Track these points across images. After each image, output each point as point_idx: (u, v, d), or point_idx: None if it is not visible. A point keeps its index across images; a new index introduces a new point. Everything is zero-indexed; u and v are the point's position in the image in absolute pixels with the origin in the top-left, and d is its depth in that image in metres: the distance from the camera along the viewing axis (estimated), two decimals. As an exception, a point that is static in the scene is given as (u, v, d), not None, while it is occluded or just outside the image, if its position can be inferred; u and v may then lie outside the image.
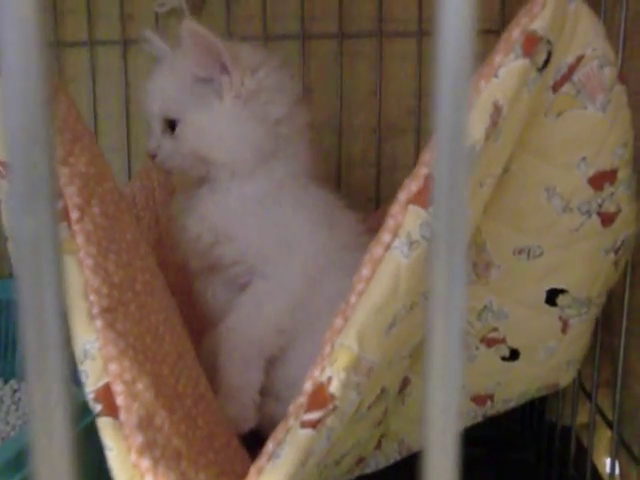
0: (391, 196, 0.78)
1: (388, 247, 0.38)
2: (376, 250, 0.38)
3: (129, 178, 0.86)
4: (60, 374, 0.11)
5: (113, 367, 0.37)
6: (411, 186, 0.38)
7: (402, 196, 0.38)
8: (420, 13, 0.79)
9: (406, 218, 0.38)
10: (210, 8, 0.85)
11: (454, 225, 0.14)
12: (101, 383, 0.36)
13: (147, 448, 0.36)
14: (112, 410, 0.36)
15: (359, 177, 0.85)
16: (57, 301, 0.10)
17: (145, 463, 0.35)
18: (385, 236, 0.38)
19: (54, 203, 0.10)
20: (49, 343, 0.11)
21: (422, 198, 0.38)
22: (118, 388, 0.36)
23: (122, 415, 0.36)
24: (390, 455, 0.57)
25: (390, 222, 0.38)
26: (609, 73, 0.41)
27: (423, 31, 0.80)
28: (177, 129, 0.58)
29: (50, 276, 0.10)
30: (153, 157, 0.59)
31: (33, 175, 0.09)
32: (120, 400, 0.36)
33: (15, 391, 0.81)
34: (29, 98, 0.09)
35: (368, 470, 0.57)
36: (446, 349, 0.15)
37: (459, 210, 0.14)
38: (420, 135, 0.81)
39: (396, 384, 0.52)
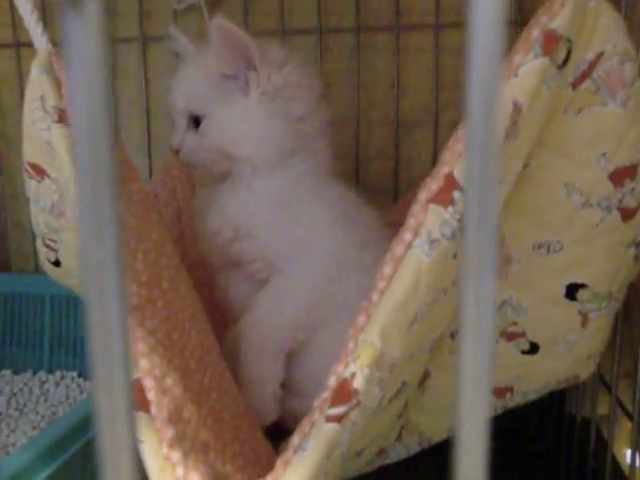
0: (409, 189, 0.79)
1: (409, 246, 0.39)
2: (398, 249, 0.39)
3: (150, 174, 0.88)
4: (125, 386, 0.12)
5: (143, 363, 0.38)
6: (431, 185, 0.39)
7: (423, 195, 0.39)
8: (437, 6, 0.79)
9: (427, 217, 0.38)
10: (228, 3, 0.86)
11: (485, 209, 0.15)
12: (132, 379, 0.38)
13: (177, 441, 0.37)
14: (144, 405, 0.37)
15: (377, 170, 0.85)
16: (121, 319, 0.11)
17: (176, 455, 0.37)
18: (406, 235, 0.39)
19: (119, 233, 0.11)
20: (114, 358, 0.12)
21: (442, 197, 0.38)
22: (149, 383, 0.38)
23: (153, 409, 0.37)
24: (410, 447, 0.58)
25: (411, 221, 0.39)
26: (630, 69, 0.41)
27: (440, 24, 0.79)
28: (202, 125, 0.59)
29: (114, 296, 0.11)
30: (176, 152, 0.61)
31: (100, 208, 0.10)
32: (151, 395, 0.38)
33: (44, 382, 0.84)
34: (95, 135, 0.10)
35: (388, 461, 0.58)
36: (479, 329, 0.16)
37: (489, 199, 0.15)
38: (437, 128, 0.81)
39: (417, 377, 0.53)
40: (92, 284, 0.11)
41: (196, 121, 0.59)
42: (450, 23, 0.79)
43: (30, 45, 0.50)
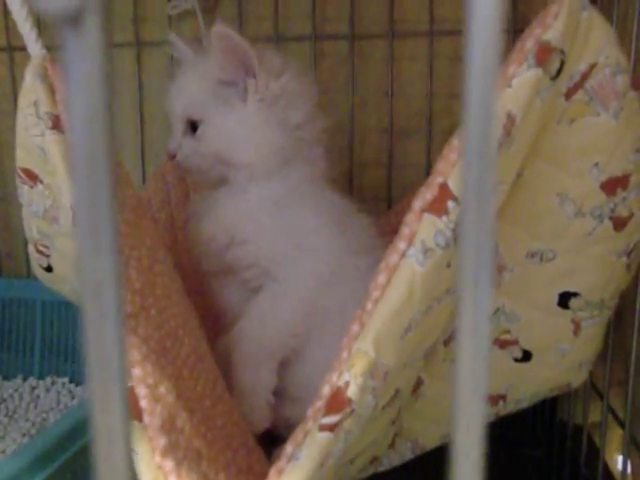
0: (402, 196, 0.80)
1: (403, 255, 0.39)
2: (392, 258, 0.39)
3: (143, 179, 0.87)
4: (120, 399, 0.12)
5: (136, 371, 0.38)
6: (426, 195, 0.39)
7: (417, 205, 0.39)
8: (431, 13, 0.79)
9: (421, 226, 0.39)
10: (222, 9, 0.86)
11: (482, 217, 0.15)
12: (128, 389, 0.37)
13: (170, 449, 0.37)
14: (136, 413, 0.37)
15: (371, 177, 0.86)
16: (118, 334, 0.11)
17: (169, 464, 0.36)
18: (400, 244, 0.39)
19: (116, 247, 0.11)
20: (111, 370, 0.12)
21: (437, 207, 0.38)
22: (142, 392, 0.38)
23: (146, 418, 0.37)
24: (404, 454, 0.58)
25: (405, 230, 0.39)
26: (622, 80, 0.42)
27: (434, 31, 0.80)
28: (199, 130, 0.59)
29: (112, 310, 0.11)
30: (173, 157, 0.60)
31: (97, 223, 0.10)
32: (144, 403, 0.37)
33: (34, 388, 0.83)
34: (94, 155, 0.10)
35: (381, 469, 0.58)
36: (474, 336, 0.16)
37: (486, 207, 0.15)
38: (431, 135, 0.82)
39: (410, 385, 0.53)
40: (89, 295, 0.11)
41: (193, 126, 0.59)
42: (444, 31, 0.80)
43: (23, 49, 0.50)
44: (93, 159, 0.10)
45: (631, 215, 0.46)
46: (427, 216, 0.39)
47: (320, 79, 0.83)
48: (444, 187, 0.39)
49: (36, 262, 0.60)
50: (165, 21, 0.85)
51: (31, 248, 0.60)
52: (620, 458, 0.58)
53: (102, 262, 0.12)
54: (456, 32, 0.80)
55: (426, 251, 0.38)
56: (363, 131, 0.84)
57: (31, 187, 0.54)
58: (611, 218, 0.46)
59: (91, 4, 0.09)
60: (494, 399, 0.55)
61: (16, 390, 0.82)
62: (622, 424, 0.56)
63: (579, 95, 0.42)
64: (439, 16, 0.80)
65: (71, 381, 0.84)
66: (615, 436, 0.62)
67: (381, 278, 0.39)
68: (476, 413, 0.16)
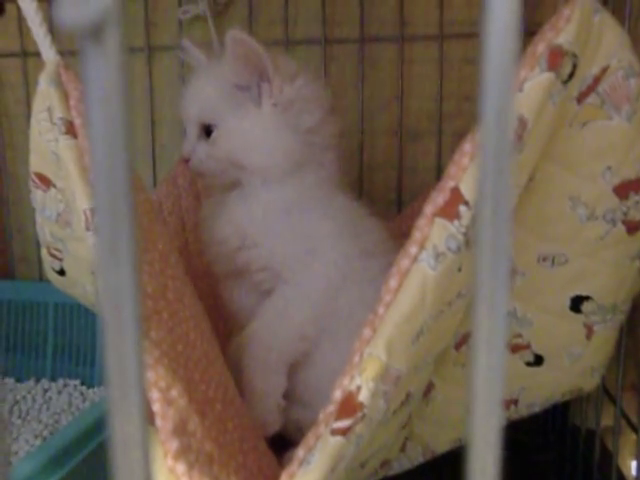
0: (412, 199, 0.80)
1: (415, 259, 0.39)
2: (403, 262, 0.39)
3: (154, 183, 0.88)
4: (139, 411, 0.12)
5: (149, 375, 0.38)
6: (437, 199, 0.39)
7: (428, 209, 0.39)
8: (441, 16, 0.79)
9: (432, 231, 0.39)
10: (232, 13, 0.86)
11: (498, 220, 0.15)
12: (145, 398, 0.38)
13: (182, 453, 0.37)
14: (148, 417, 0.37)
15: (381, 180, 0.86)
16: (137, 346, 0.11)
17: (181, 468, 0.37)
18: (412, 248, 0.39)
19: (135, 258, 0.11)
20: (129, 377, 0.12)
21: (448, 211, 0.38)
22: (154, 395, 0.38)
23: (158, 421, 0.37)
24: (414, 458, 0.58)
25: (417, 234, 0.39)
26: (634, 83, 0.41)
27: (444, 35, 0.80)
28: (213, 134, 0.59)
29: (131, 317, 0.11)
30: (187, 161, 0.61)
31: (116, 235, 0.10)
32: (156, 407, 0.38)
33: (46, 390, 0.84)
34: (113, 166, 0.10)
35: (392, 473, 0.58)
36: (491, 339, 0.16)
37: (502, 210, 0.15)
38: (441, 138, 0.82)
39: (421, 389, 0.53)
40: (108, 303, 0.11)
41: (207, 131, 0.60)
42: (453, 34, 0.80)
43: (37, 54, 0.51)
44: (112, 170, 0.10)
45: (644, 219, 0.46)
46: (439, 220, 0.39)
47: (330, 82, 0.83)
48: (456, 191, 0.39)
49: (49, 265, 0.61)
50: (176, 26, 0.86)
51: (44, 252, 0.60)
52: (634, 463, 0.58)
53: (121, 270, 0.12)
54: (466, 35, 0.80)
55: (438, 255, 0.38)
56: (373, 134, 0.84)
57: (44, 191, 0.55)
58: (624, 222, 0.46)
59: (112, 17, 0.10)
60: (506, 403, 0.54)
61: (29, 392, 0.83)
62: (635, 429, 0.56)
63: (591, 99, 0.42)
64: (449, 19, 0.80)
65: (83, 383, 0.85)
66: (628, 441, 0.61)
67: (393, 282, 0.39)
68: (492, 417, 0.16)
